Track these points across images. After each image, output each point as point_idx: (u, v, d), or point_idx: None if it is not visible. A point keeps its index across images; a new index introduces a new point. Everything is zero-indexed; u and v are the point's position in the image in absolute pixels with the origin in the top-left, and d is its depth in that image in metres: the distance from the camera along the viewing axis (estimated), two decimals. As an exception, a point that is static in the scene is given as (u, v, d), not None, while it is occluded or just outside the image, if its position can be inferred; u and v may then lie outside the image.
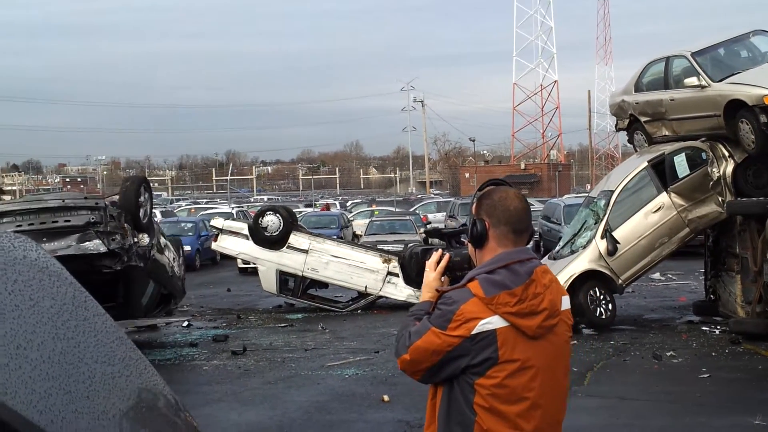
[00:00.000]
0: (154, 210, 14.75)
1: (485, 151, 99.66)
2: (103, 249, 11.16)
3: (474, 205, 3.02)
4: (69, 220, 11.20)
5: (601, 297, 13.53)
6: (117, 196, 12.35)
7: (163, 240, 13.68)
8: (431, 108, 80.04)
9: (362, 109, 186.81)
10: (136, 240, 11.90)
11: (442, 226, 32.31)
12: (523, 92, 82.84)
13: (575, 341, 12.49)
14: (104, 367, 1.80)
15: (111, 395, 1.77)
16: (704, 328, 13.35)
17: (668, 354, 11.50)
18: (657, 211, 13.59)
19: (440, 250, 3.15)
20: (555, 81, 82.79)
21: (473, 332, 2.75)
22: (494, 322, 2.76)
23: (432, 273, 3.10)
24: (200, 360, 12.19)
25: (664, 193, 13.66)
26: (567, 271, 13.45)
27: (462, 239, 3.53)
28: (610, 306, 13.54)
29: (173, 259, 14.10)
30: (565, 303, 2.95)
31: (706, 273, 15.10)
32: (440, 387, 2.92)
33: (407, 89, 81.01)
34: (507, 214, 2.90)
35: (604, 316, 13.47)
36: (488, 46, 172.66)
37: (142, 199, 12.14)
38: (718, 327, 13.29)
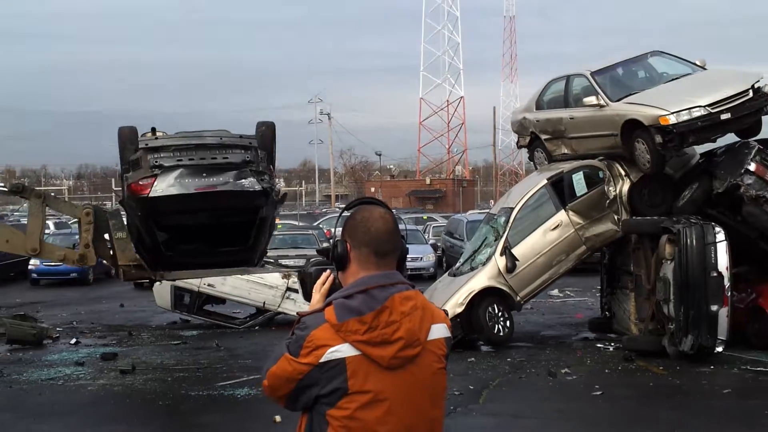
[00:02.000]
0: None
1: (391, 166, 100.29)
2: (258, 187, 11.28)
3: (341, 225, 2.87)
4: (227, 158, 11.30)
5: (500, 314, 13.55)
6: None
7: None
8: (338, 121, 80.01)
9: (269, 120, 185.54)
10: (276, 183, 11.90)
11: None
12: (430, 107, 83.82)
13: (473, 358, 12.46)
14: None
15: None
16: (599, 345, 13.51)
17: (563, 371, 11.56)
18: (555, 229, 13.71)
19: (328, 271, 2.97)
20: (461, 97, 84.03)
21: (321, 360, 2.59)
22: (343, 351, 2.60)
23: (317, 295, 2.94)
24: (85, 380, 11.60)
25: (563, 210, 13.79)
26: (466, 288, 13.44)
27: None
28: (508, 323, 13.58)
29: None
30: (437, 332, 2.74)
31: (602, 290, 15.34)
32: (303, 416, 2.75)
33: (314, 102, 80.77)
34: (368, 236, 2.73)
35: (502, 333, 13.48)
36: (396, 61, 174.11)
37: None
38: (612, 344, 13.46)
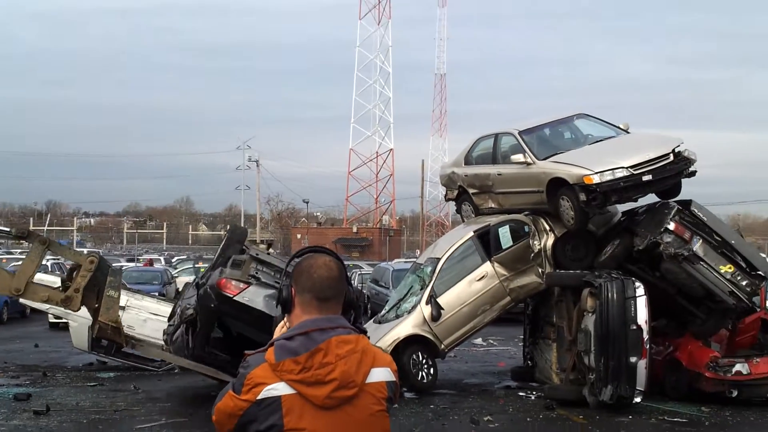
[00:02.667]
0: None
1: (318, 213, 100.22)
2: None
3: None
4: None
5: (424, 361, 13.60)
6: None
7: None
8: (266, 168, 79.56)
9: (195, 165, 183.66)
10: None
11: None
12: (359, 158, 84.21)
13: (395, 405, 12.40)
14: None
15: None
16: (521, 394, 13.64)
17: (486, 419, 11.63)
18: (480, 280, 13.90)
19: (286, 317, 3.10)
20: (391, 149, 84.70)
21: (258, 397, 2.71)
22: (279, 389, 2.72)
23: (277, 335, 3.02)
24: (-3, 420, 11.19)
25: (488, 262, 14.00)
26: (391, 335, 13.48)
27: None
28: (431, 370, 13.63)
29: None
30: (378, 375, 2.85)
31: (525, 340, 15.54)
32: None
33: (243, 148, 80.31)
34: (310, 282, 2.87)
35: (425, 380, 13.53)
36: (328, 112, 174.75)
37: None
38: (534, 393, 13.62)
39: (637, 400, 11.94)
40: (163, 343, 15.86)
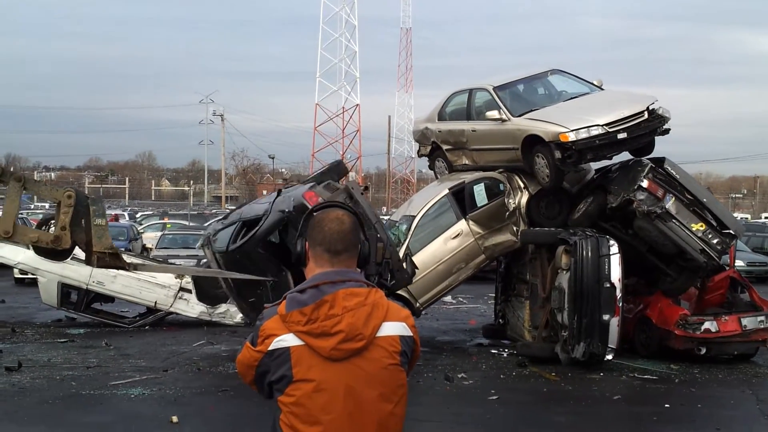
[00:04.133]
0: None
1: (284, 170, 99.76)
2: None
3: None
4: None
5: None
6: None
7: None
8: (231, 123, 78.68)
9: (158, 119, 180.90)
10: None
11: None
12: (326, 113, 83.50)
13: (418, 362, 12.43)
14: None
15: None
16: (493, 351, 13.77)
17: (459, 376, 11.72)
18: (456, 238, 13.91)
19: None
20: (357, 104, 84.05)
21: (269, 348, 2.79)
22: (288, 340, 2.78)
23: None
24: (-33, 377, 11.05)
25: (463, 220, 14.00)
26: None
27: None
28: None
29: None
30: (390, 329, 2.86)
31: (497, 298, 15.63)
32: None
33: (206, 102, 79.31)
34: (321, 236, 2.91)
35: None
36: (293, 66, 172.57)
37: None
38: (506, 350, 13.75)
39: (609, 357, 12.11)
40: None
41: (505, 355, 13.45)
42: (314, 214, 3.00)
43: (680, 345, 12.76)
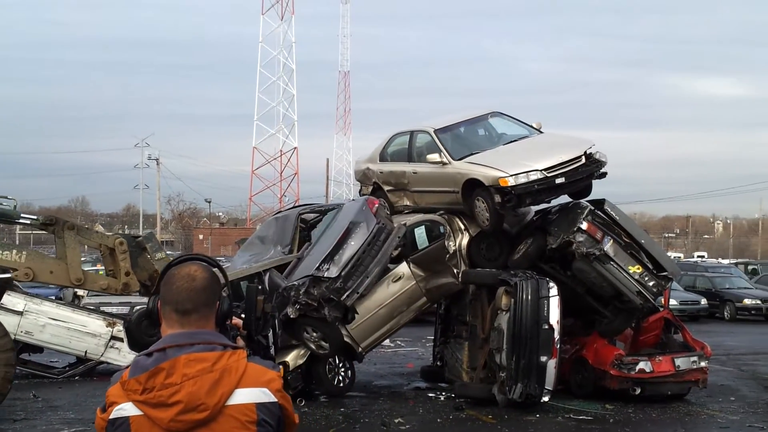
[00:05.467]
0: None
1: (221, 213, 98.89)
2: None
3: None
4: None
5: (341, 364, 13.54)
6: None
7: None
8: (167, 167, 77.68)
9: (92, 164, 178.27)
10: None
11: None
12: (263, 156, 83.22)
13: (306, 409, 12.30)
14: None
15: None
16: (431, 395, 13.68)
17: (396, 421, 11.61)
18: (397, 281, 13.81)
19: None
20: (295, 147, 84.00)
21: (111, 417, 2.60)
22: (127, 409, 2.58)
23: None
24: None
25: (404, 263, 13.96)
26: None
27: None
28: (349, 373, 13.62)
29: None
30: (243, 397, 2.61)
31: (435, 339, 15.57)
32: None
33: (142, 145, 78.23)
34: (169, 294, 2.72)
35: (342, 384, 13.48)
36: (231, 110, 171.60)
37: None
38: (444, 393, 13.67)
39: (545, 399, 12.12)
40: None
41: (442, 398, 13.37)
42: (169, 269, 2.79)
43: (615, 385, 12.86)
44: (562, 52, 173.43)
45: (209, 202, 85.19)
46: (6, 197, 14.08)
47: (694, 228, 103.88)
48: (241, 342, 2.98)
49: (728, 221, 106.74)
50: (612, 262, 12.77)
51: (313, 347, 12.82)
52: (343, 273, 12.41)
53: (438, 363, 15.20)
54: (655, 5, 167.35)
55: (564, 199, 14.15)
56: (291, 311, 12.19)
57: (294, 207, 15.84)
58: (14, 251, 12.58)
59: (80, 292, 30.16)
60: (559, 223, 13.29)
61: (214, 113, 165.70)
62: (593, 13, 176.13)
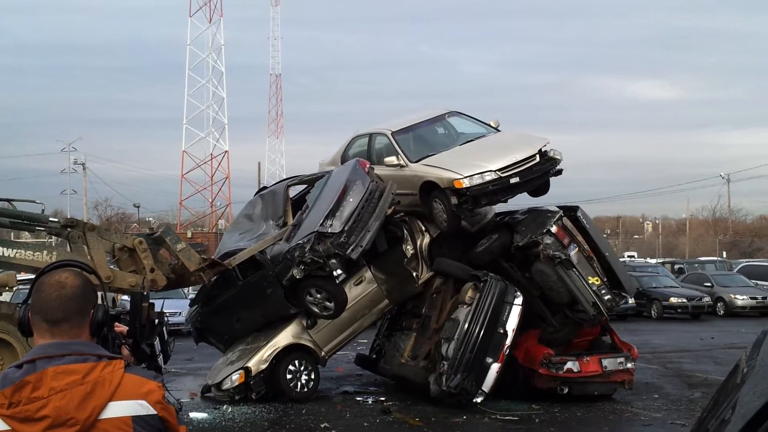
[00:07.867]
0: None
1: (150, 218, 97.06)
2: None
3: None
4: None
5: (303, 369, 13.40)
6: None
7: None
8: (94, 172, 76.02)
9: (16, 169, 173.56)
10: None
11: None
12: (193, 160, 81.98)
13: (231, 415, 12.04)
14: None
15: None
16: (358, 399, 13.50)
17: (323, 426, 11.44)
18: (359, 284, 13.75)
19: None
20: (226, 151, 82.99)
21: None
22: None
23: None
24: None
25: (365, 266, 13.84)
26: (270, 345, 13.24)
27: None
28: (312, 375, 13.49)
29: None
30: (119, 410, 2.46)
31: (379, 332, 15.41)
32: None
33: (69, 150, 76.38)
34: (38, 302, 2.57)
35: (305, 389, 13.36)
36: (159, 113, 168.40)
37: None
38: (371, 397, 13.52)
39: (478, 400, 12.09)
40: None
41: (370, 402, 13.21)
42: (41, 276, 2.65)
43: (543, 384, 12.88)
44: (498, 57, 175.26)
45: (138, 207, 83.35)
46: (33, 201, 13.97)
47: (625, 228, 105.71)
48: (125, 351, 2.87)
49: (657, 221, 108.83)
50: (574, 269, 12.72)
51: (317, 310, 12.73)
52: (346, 228, 12.22)
53: (374, 355, 15.03)
54: (583, 9, 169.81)
55: (528, 199, 14.27)
56: (296, 272, 12.02)
57: (281, 181, 15.93)
58: (45, 252, 12.21)
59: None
60: (529, 224, 13.28)
61: (144, 117, 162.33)
62: (525, 18, 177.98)
